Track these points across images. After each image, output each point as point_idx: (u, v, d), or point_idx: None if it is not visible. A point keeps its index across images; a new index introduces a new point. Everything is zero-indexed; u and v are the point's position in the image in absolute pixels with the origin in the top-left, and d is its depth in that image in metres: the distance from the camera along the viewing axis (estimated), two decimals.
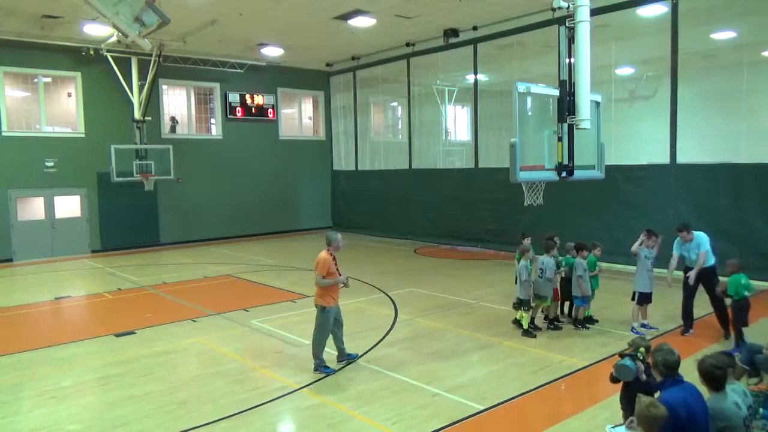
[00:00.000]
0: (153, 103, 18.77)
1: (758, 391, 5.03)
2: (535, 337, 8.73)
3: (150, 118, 18.46)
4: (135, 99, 18.09)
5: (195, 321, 10.12)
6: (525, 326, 8.89)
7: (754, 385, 5.29)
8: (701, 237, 8.58)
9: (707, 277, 8.51)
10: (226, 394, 6.81)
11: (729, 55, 13.32)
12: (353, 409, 6.35)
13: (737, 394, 4.30)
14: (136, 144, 18.16)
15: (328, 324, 7.45)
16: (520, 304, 8.89)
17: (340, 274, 7.46)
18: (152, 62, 17.71)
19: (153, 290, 12.87)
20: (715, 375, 4.22)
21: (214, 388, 7.04)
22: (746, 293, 7.89)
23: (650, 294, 8.90)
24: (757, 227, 11.46)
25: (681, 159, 12.93)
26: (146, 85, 17.97)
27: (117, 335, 9.35)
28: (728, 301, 8.13)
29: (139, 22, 12.29)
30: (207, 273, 14.71)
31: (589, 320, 9.31)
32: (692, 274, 8.47)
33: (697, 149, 12.88)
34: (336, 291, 7.54)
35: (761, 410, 4.73)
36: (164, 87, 20.06)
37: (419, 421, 6.01)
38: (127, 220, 18.96)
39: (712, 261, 8.56)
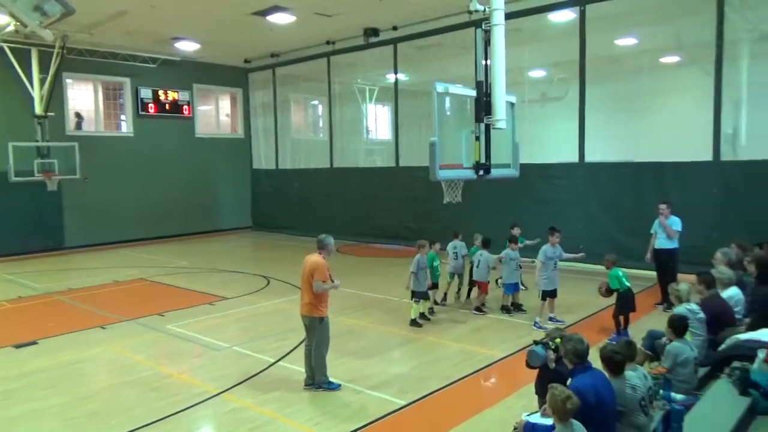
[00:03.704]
0: (56, 98, 17.62)
1: (658, 374, 5.40)
2: (421, 326, 9.40)
3: (53, 114, 17.33)
4: (36, 93, 16.92)
5: (104, 328, 9.63)
6: (413, 316, 9.51)
7: (654, 368, 5.67)
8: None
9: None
10: (141, 403, 6.53)
11: (631, 60, 14.22)
12: (275, 411, 6.26)
13: (637, 377, 4.60)
14: (37, 141, 17.00)
15: (329, 335, 6.91)
16: (417, 296, 9.58)
17: (332, 280, 6.92)
18: (55, 54, 16.63)
19: (57, 297, 12.12)
20: (614, 360, 4.52)
21: (127, 397, 6.73)
22: (628, 284, 8.58)
23: (554, 290, 9.36)
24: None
25: (589, 158, 13.66)
26: (48, 78, 16.84)
27: (17, 346, 8.73)
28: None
29: (39, 11, 11.51)
30: (118, 277, 14.02)
31: (517, 307, 10.06)
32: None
33: (603, 148, 13.65)
34: (328, 299, 6.94)
35: (661, 392, 5.09)
36: (69, 81, 18.90)
37: (342, 420, 6.01)
38: (28, 223, 17.71)
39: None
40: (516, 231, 11.10)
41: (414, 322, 9.48)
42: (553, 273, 9.26)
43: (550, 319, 9.36)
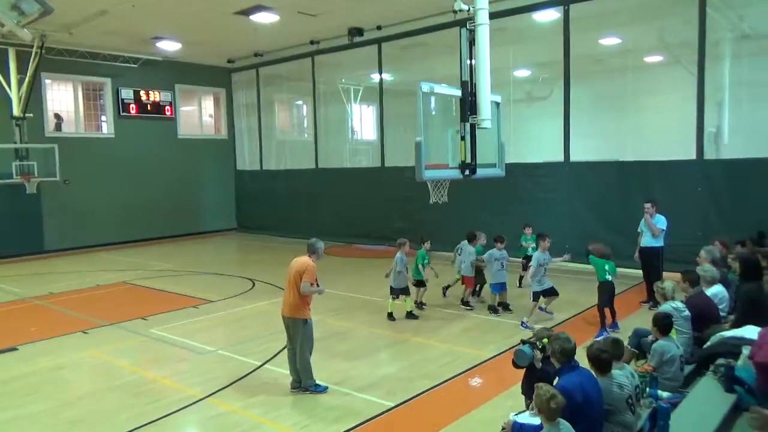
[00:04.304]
0: (35, 98, 17.38)
1: (644, 372, 5.45)
2: (395, 320, 9.72)
3: (31, 115, 17.09)
4: (13, 94, 16.67)
5: (87, 333, 9.51)
6: (409, 308, 9.86)
7: (641, 366, 5.72)
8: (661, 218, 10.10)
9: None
10: (124, 409, 6.45)
11: (615, 59, 14.31)
12: (261, 415, 6.23)
13: (624, 376, 4.64)
14: (15, 143, 16.77)
15: (312, 337, 6.89)
16: (395, 293, 9.83)
17: (318, 284, 6.86)
18: (33, 54, 16.39)
19: (38, 302, 11.94)
20: (600, 359, 4.55)
21: (110, 403, 6.65)
22: (608, 278, 8.78)
23: (551, 288, 9.46)
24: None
25: (574, 157, 13.75)
26: (26, 79, 16.60)
27: None
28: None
29: (17, 10, 11.34)
30: (99, 281, 13.85)
31: (505, 307, 10.09)
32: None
33: (588, 148, 13.74)
34: (311, 301, 6.95)
35: (648, 390, 5.14)
36: (48, 81, 18.65)
37: (329, 422, 6.00)
38: (6, 226, 17.40)
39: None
40: (528, 231, 11.33)
41: (390, 316, 9.79)
42: (543, 277, 9.39)
43: (541, 309, 9.56)
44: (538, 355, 4.96)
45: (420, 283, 10.26)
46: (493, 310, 9.98)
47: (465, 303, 10.41)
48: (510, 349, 7.91)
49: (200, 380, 7.25)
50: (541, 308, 9.58)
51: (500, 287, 10.01)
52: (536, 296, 9.33)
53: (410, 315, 9.87)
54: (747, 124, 11.87)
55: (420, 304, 10.35)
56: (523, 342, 5.12)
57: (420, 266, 10.18)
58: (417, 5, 14.47)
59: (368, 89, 19.64)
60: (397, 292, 9.82)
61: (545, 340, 4.91)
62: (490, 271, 9.94)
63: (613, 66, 14.36)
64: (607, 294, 8.77)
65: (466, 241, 10.71)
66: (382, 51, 17.50)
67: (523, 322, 9.23)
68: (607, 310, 8.80)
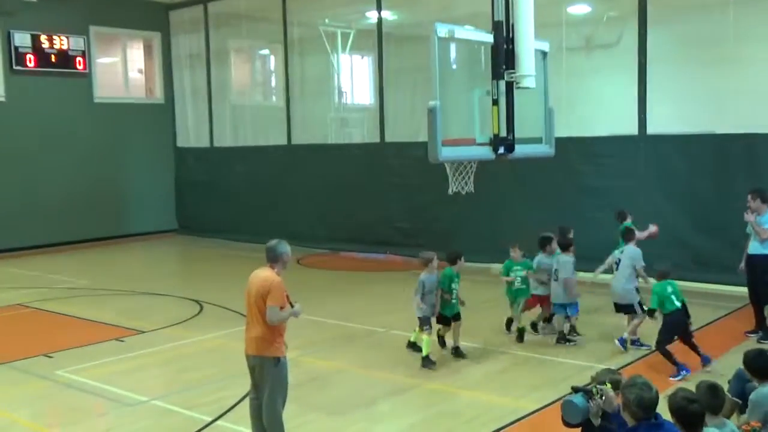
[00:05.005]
0: None
1: (750, 430, 5.45)
2: (434, 364, 9.27)
3: None
4: None
5: None
6: (425, 352, 9.36)
7: (746, 423, 5.72)
8: None
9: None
10: None
11: None
12: None
13: None
14: None
15: (287, 382, 6.76)
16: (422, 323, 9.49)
17: (291, 305, 6.75)
18: None
19: None
20: (688, 412, 4.50)
21: None
22: (677, 304, 8.69)
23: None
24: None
25: (653, 129, 13.72)
26: None
27: None
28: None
29: None
30: None
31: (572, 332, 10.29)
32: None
33: (673, 115, 13.71)
34: (285, 331, 6.79)
35: None
36: None
37: None
38: None
39: None
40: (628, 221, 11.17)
41: (427, 361, 9.32)
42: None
43: (633, 342, 9.68)
44: (595, 408, 4.94)
45: (446, 320, 9.85)
46: (563, 339, 10.09)
47: (538, 326, 10.65)
48: (562, 397, 7.92)
49: None
50: (634, 341, 9.68)
51: (576, 307, 10.15)
52: (641, 307, 9.53)
53: (412, 345, 9.83)
54: None
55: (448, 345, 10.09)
56: (575, 390, 5.10)
57: (441, 292, 9.61)
58: None
59: (362, 33, 19.64)
60: (427, 321, 9.41)
61: (607, 386, 4.90)
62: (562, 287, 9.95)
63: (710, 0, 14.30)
64: (672, 329, 8.74)
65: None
66: None
67: (634, 342, 9.53)
68: (682, 346, 8.84)
